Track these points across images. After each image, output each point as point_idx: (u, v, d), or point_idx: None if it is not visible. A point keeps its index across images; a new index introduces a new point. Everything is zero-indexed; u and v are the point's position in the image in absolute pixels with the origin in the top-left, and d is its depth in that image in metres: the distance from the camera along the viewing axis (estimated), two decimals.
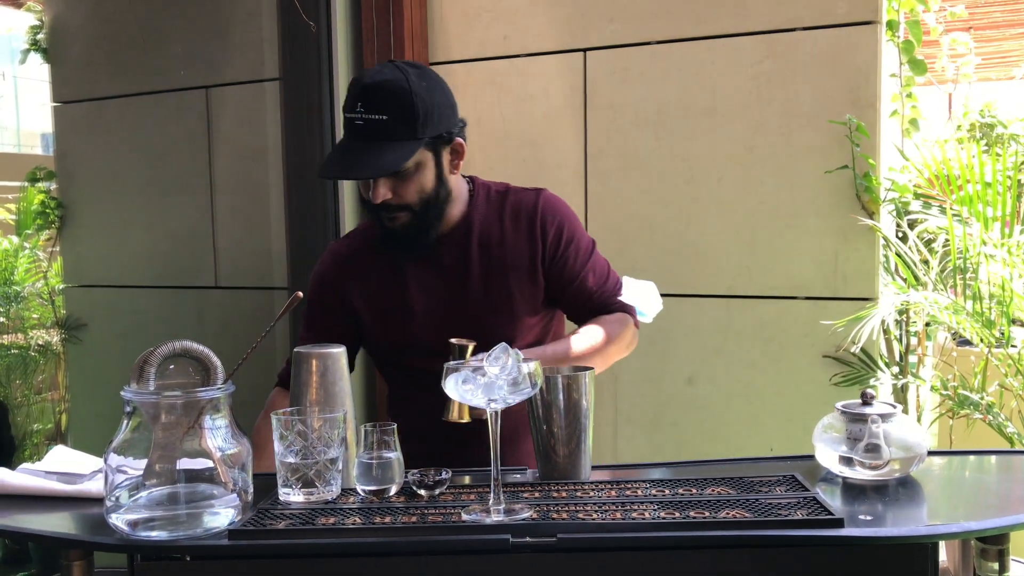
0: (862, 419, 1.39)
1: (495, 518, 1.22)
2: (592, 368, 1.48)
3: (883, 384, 2.49)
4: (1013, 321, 2.47)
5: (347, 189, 2.81)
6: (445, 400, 1.50)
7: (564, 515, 1.24)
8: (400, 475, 1.37)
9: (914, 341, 2.79)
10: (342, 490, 1.38)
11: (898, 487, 1.36)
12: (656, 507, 1.25)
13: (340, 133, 1.79)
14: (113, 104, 3.29)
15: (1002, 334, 2.45)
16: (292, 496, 1.34)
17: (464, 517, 1.24)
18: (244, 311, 3.08)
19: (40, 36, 3.50)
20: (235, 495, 1.28)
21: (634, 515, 1.22)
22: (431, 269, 1.78)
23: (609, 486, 1.37)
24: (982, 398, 2.50)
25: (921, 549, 1.16)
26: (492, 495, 1.26)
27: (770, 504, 1.24)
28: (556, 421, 1.44)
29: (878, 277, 2.46)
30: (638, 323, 1.87)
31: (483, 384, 1.26)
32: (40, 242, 3.79)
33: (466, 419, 1.57)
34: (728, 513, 1.21)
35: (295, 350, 1.50)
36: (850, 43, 2.43)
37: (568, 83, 2.77)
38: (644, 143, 2.69)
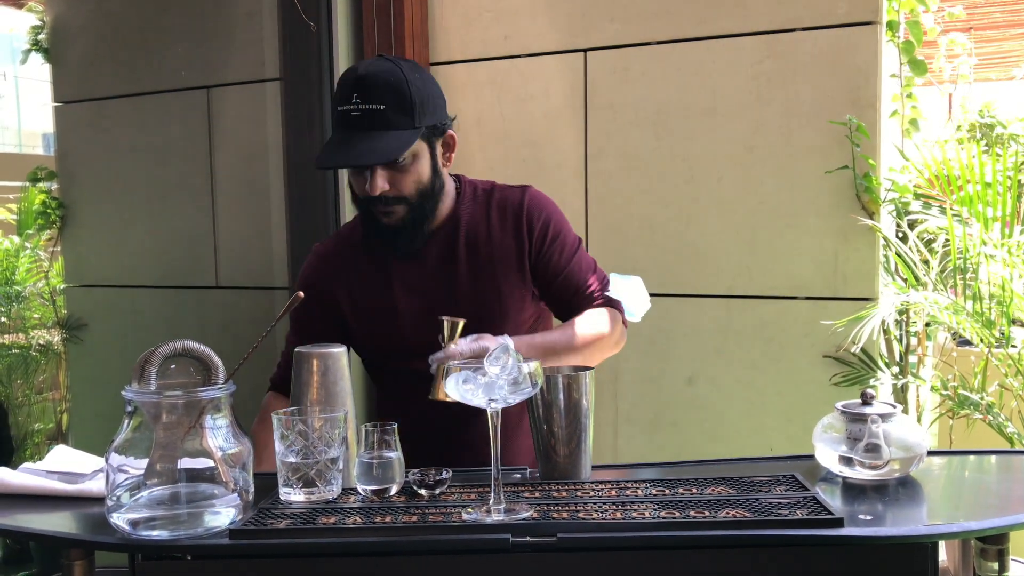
0: (862, 419, 1.39)
1: (495, 518, 1.23)
2: (592, 368, 1.49)
3: (883, 384, 2.49)
4: (1013, 321, 2.47)
5: (347, 189, 2.80)
6: (430, 380, 1.51)
7: (564, 515, 1.24)
8: (401, 475, 1.38)
9: (914, 341, 2.79)
10: (343, 490, 1.38)
11: (898, 487, 1.36)
12: (656, 507, 1.25)
13: None
14: (114, 104, 3.28)
15: (1002, 334, 2.46)
16: (293, 496, 1.34)
17: (464, 517, 1.24)
18: (245, 311, 3.07)
19: (41, 36, 3.50)
20: (236, 495, 1.28)
21: (634, 515, 1.22)
22: (417, 268, 1.77)
23: (609, 486, 1.37)
24: (982, 398, 2.50)
25: (921, 549, 1.17)
26: (492, 495, 1.26)
27: (770, 504, 1.25)
28: (556, 421, 1.44)
29: (878, 277, 2.46)
30: (626, 321, 1.85)
31: (483, 384, 1.26)
32: (41, 242, 3.79)
33: (452, 397, 1.56)
34: (728, 513, 1.22)
35: (295, 350, 1.50)
36: (850, 43, 2.43)
37: (568, 83, 2.77)
38: (644, 143, 2.69)
